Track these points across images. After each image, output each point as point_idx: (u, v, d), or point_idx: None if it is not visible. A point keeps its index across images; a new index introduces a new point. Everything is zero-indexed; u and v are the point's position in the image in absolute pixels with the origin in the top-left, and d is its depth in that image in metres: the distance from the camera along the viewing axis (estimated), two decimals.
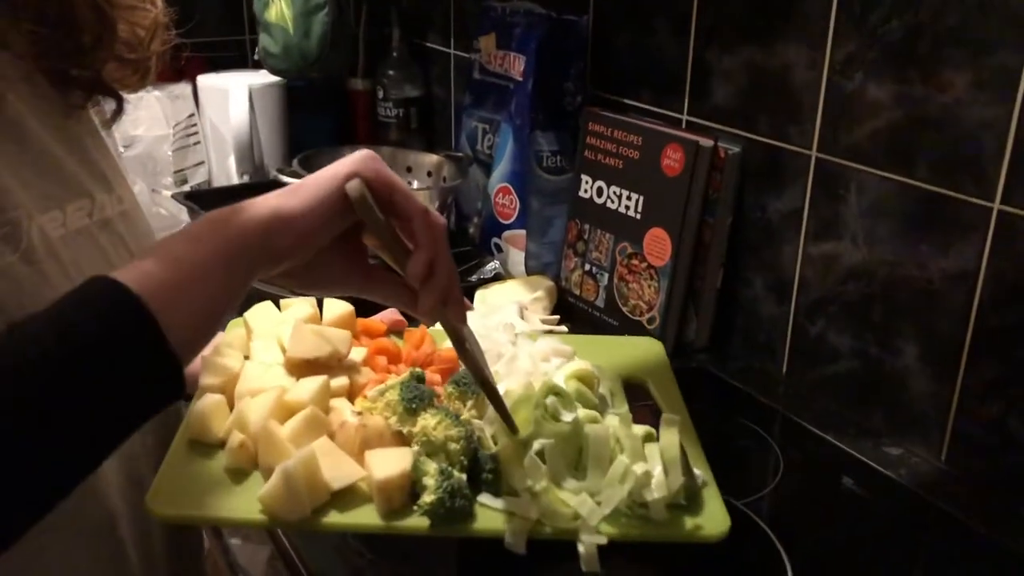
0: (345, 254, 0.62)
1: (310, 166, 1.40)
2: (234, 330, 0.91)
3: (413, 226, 0.60)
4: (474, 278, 1.39)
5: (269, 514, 0.67)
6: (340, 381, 0.82)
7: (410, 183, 1.50)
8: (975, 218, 0.91)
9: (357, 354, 0.87)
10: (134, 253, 0.67)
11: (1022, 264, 0.88)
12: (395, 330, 0.95)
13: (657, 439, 0.72)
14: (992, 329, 0.92)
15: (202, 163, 1.71)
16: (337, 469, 0.69)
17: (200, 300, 0.53)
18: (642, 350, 0.98)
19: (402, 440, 0.74)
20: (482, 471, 0.70)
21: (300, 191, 0.58)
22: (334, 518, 0.68)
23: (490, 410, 0.74)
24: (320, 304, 0.91)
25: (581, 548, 0.67)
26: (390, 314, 0.96)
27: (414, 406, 0.73)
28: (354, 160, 0.60)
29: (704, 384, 1.17)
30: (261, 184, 1.68)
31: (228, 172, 1.70)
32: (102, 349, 0.48)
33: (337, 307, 0.91)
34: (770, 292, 1.17)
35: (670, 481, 0.68)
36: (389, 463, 0.69)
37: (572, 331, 1.22)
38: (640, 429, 0.73)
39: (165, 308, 0.50)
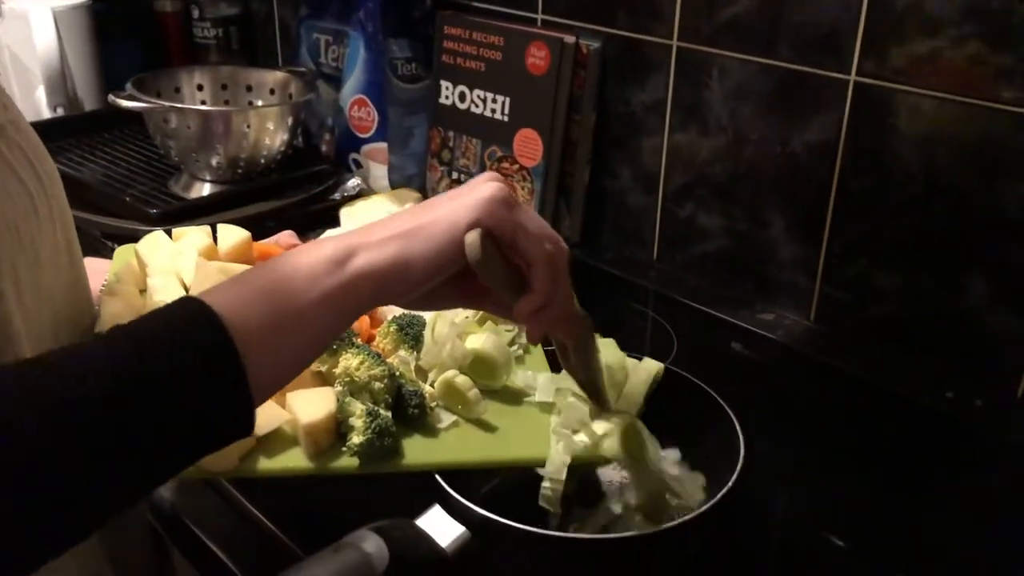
0: (454, 277, 0.58)
1: (145, 89, 1.30)
2: (124, 260, 0.85)
3: (533, 270, 0.57)
4: (337, 195, 1.35)
5: (194, 465, 0.65)
6: None
7: (252, 103, 1.43)
8: (833, 91, 0.99)
9: None
10: (33, 163, 0.61)
11: (878, 130, 0.97)
12: None
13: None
14: (852, 193, 1.01)
15: None
16: (261, 415, 0.66)
17: (296, 345, 0.51)
18: None
19: (322, 380, 0.72)
20: (408, 407, 0.69)
21: (419, 236, 0.54)
22: (262, 464, 0.66)
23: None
24: (214, 230, 0.87)
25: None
26: (287, 237, 0.92)
27: (334, 346, 0.71)
28: (478, 205, 0.54)
29: (581, 275, 1.21)
30: (81, 116, 1.55)
31: (37, 106, 1.55)
32: (178, 380, 0.46)
33: (233, 234, 0.87)
34: (637, 183, 1.22)
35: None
36: (314, 406, 0.67)
37: None
38: None
39: (256, 350, 0.47)
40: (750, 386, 0.97)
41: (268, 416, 0.67)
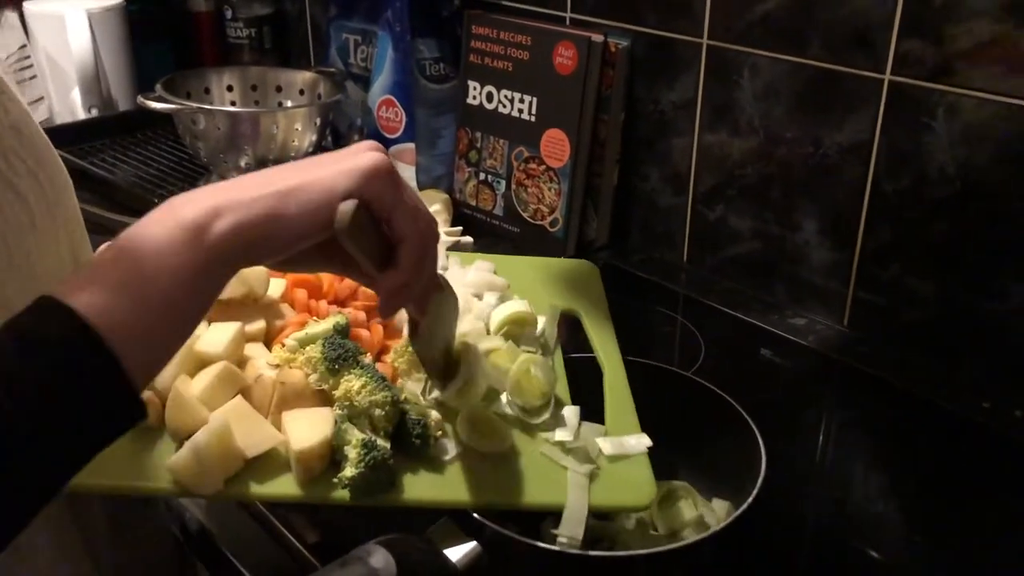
0: (321, 241, 0.56)
1: (175, 90, 1.31)
2: None
3: (402, 248, 0.55)
4: None
5: (179, 484, 0.62)
6: (256, 324, 0.75)
7: (281, 104, 1.43)
8: (867, 91, 0.96)
9: (275, 287, 0.80)
10: (35, 172, 0.60)
11: (912, 131, 0.94)
12: None
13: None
14: (886, 195, 0.98)
15: (41, 99, 1.57)
16: (252, 435, 0.64)
17: (167, 326, 0.49)
18: (576, 276, 0.93)
19: (323, 398, 0.68)
20: (410, 435, 0.65)
21: (292, 197, 0.51)
22: (251, 488, 0.63)
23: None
24: None
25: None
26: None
27: (337, 367, 0.68)
28: (359, 174, 0.52)
29: (610, 278, 1.19)
30: (114, 117, 1.57)
31: (72, 107, 1.57)
32: (54, 387, 0.44)
33: None
34: (667, 184, 1.20)
35: None
36: (308, 430, 0.64)
37: (475, 243, 1.21)
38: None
39: (129, 342, 0.46)
40: (780, 393, 0.95)
41: (260, 437, 0.65)
